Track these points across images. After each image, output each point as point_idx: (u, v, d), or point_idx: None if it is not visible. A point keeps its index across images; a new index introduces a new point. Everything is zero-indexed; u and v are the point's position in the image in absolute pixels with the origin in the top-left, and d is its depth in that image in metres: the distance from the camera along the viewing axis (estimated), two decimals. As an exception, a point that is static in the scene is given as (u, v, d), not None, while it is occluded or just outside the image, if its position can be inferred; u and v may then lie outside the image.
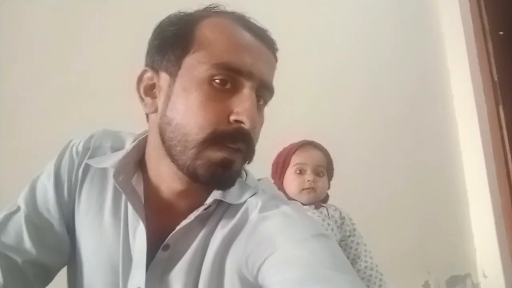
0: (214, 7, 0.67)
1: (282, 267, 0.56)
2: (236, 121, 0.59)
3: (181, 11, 0.67)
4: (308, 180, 1.31)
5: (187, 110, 0.60)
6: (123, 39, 1.53)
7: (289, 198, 1.27)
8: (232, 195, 0.66)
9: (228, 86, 0.60)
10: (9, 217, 0.69)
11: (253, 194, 0.68)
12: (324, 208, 1.32)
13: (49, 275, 0.71)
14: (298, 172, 1.33)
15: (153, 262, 0.65)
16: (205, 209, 0.65)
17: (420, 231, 1.93)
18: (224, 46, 0.60)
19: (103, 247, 0.68)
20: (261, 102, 0.66)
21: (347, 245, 1.31)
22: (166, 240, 0.64)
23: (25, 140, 1.41)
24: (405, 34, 2.16)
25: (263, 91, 0.64)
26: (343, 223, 1.32)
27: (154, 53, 0.66)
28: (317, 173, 1.33)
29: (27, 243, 0.67)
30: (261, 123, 0.67)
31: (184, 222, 0.64)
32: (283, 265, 0.56)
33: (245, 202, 0.67)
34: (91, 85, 1.53)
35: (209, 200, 0.65)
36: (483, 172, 1.94)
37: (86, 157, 0.72)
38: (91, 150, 0.73)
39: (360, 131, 1.90)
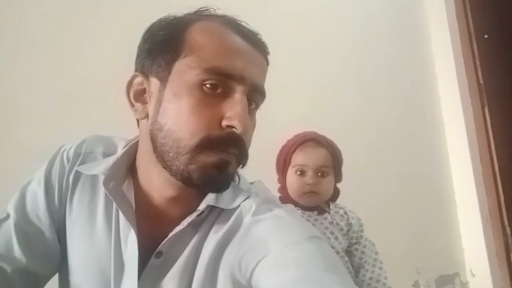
0: (205, 10, 0.67)
1: (275, 270, 0.56)
2: (228, 126, 0.59)
3: (171, 14, 0.66)
4: (309, 184, 1.19)
5: (178, 115, 0.59)
6: (123, 43, 1.51)
7: (291, 199, 1.22)
8: (225, 200, 0.66)
9: (219, 90, 0.60)
10: None
11: (246, 198, 0.67)
12: (329, 214, 1.22)
13: (39, 284, 0.70)
14: (298, 173, 1.21)
15: (145, 270, 0.64)
16: (198, 215, 0.64)
17: (410, 232, 1.94)
18: (214, 51, 0.60)
19: (95, 254, 0.67)
20: (253, 106, 0.65)
21: (351, 253, 1.21)
22: (159, 247, 0.64)
23: (24, 143, 1.40)
24: (393, 40, 2.18)
25: (255, 95, 0.64)
26: (349, 229, 1.21)
27: (144, 57, 0.65)
28: (320, 174, 1.20)
29: (17, 251, 0.65)
30: (253, 127, 0.67)
31: (177, 229, 0.63)
32: (276, 267, 0.56)
33: (238, 206, 0.66)
34: (90, 89, 1.52)
35: (202, 206, 0.64)
36: (470, 173, 1.97)
37: (77, 163, 0.70)
38: (82, 155, 0.71)
39: (351, 137, 1.91)
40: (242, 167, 0.65)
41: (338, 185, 1.29)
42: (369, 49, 2.09)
